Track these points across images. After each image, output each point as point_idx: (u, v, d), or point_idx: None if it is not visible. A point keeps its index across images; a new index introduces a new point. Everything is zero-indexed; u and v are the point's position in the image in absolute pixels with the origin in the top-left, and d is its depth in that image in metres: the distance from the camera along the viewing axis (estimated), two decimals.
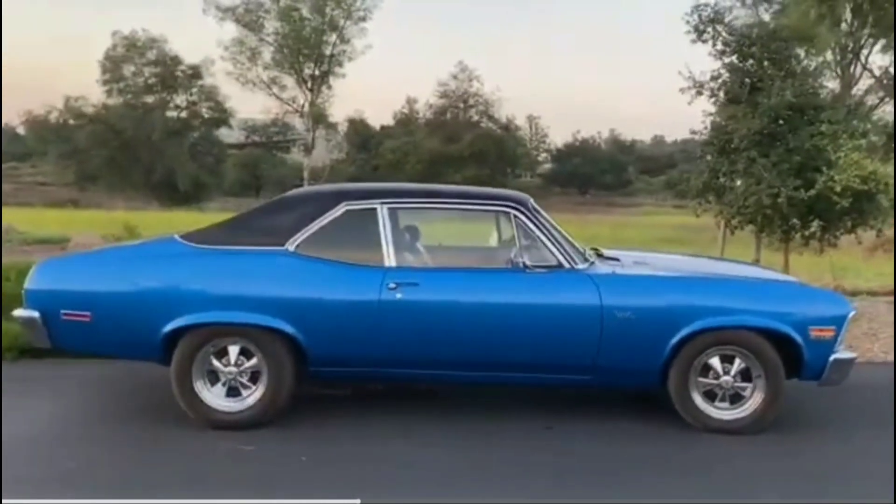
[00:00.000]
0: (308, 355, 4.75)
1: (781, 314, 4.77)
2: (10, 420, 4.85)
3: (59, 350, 5.12)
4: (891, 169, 8.44)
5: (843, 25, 25.65)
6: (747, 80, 8.97)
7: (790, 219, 8.55)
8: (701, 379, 4.83)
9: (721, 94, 9.44)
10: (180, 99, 43.29)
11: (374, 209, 4.90)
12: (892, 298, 8.27)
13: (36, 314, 4.74)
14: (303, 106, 44.84)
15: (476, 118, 41.84)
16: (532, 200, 5.09)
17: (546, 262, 4.83)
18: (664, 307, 4.76)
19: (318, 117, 44.00)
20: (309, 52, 42.75)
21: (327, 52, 42.76)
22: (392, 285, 4.69)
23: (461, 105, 42.10)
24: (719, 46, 9.51)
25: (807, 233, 8.89)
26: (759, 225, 8.74)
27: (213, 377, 4.81)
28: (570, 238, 5.03)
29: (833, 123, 8.24)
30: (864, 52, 26.53)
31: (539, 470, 4.31)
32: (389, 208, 4.92)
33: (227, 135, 48.06)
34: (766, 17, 30.03)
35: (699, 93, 9.64)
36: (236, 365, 4.76)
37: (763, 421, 4.80)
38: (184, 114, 43.76)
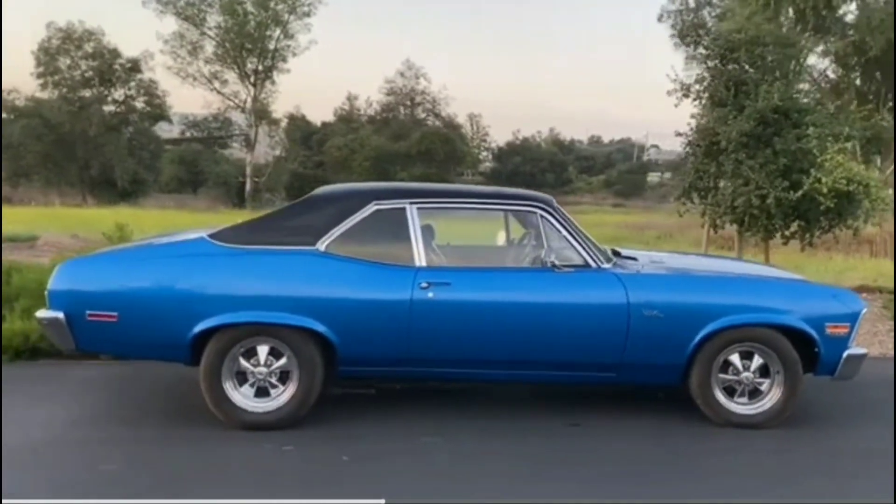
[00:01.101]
0: (339, 355, 4.75)
1: (800, 312, 4.93)
2: (30, 422, 4.76)
3: (82, 352, 5.03)
4: (870, 171, 8.77)
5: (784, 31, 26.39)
6: (731, 83, 9.23)
7: (776, 219, 8.80)
8: (721, 375, 4.97)
9: (705, 97, 9.66)
10: (118, 93, 42.20)
11: (404, 208, 4.92)
12: (867, 295, 8.57)
13: (60, 315, 4.63)
14: (245, 101, 44.24)
15: (423, 116, 41.93)
16: (555, 201, 5.16)
17: (572, 261, 4.90)
18: (689, 305, 4.89)
19: (260, 113, 43.47)
20: (252, 46, 42.20)
21: (271, 46, 42.28)
22: (424, 284, 4.71)
23: (408, 103, 42.14)
24: (702, 51, 9.77)
25: (787, 232, 9.19)
26: (745, 225, 8.99)
27: (241, 378, 4.77)
28: (592, 238, 5.12)
29: (819, 127, 8.53)
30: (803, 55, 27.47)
31: (567, 467, 4.40)
32: (418, 208, 4.94)
33: (167, 130, 47.09)
34: (709, 20, 30.84)
35: (685, 95, 9.85)
36: (266, 365, 4.73)
37: (781, 415, 4.96)
38: (122, 108, 42.68)
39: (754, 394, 5.01)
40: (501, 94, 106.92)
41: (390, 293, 4.73)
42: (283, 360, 4.74)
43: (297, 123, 49.80)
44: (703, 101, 9.64)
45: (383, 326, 4.74)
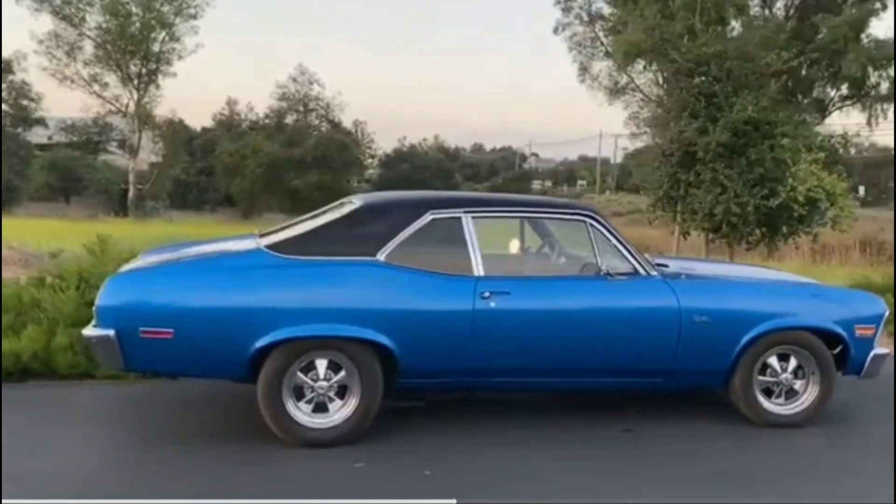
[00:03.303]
0: (401, 367, 4.65)
1: (832, 315, 5.18)
2: (66, 447, 4.49)
3: (131, 371, 4.75)
4: (834, 179, 9.31)
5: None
6: (701, 95, 9.59)
7: (751, 226, 9.20)
8: (760, 377, 5.15)
9: (675, 109, 10.00)
10: None
11: (459, 218, 4.87)
12: None
13: (111, 333, 4.34)
14: (127, 105, 42.43)
15: (317, 122, 41.38)
16: (599, 210, 5.24)
17: (621, 269, 4.98)
18: (735, 311, 5.05)
19: (144, 117, 41.81)
20: (135, 48, 40.51)
21: (156, 49, 40.74)
22: (486, 294, 4.68)
23: (301, 109, 41.50)
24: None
25: (751, 239, 9.63)
26: (723, 232, 9.36)
27: (298, 393, 4.60)
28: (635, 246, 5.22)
29: (793, 138, 8.98)
30: None
31: (631, 469, 4.50)
32: (473, 217, 4.90)
33: (42, 134, 44.61)
34: (601, 35, 31.92)
35: (659, 105, 10.15)
36: (325, 379, 4.58)
37: (817, 414, 5.19)
38: None
39: (789, 394, 5.21)
40: (386, 100, 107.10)
41: (453, 303, 4.67)
42: (341, 374, 4.61)
43: (176, 128, 48.14)
44: (672, 113, 10.00)
45: (446, 337, 4.68)
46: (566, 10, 32.28)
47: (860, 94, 26.89)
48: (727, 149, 9.18)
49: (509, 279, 4.89)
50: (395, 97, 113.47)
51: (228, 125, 47.71)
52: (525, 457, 4.60)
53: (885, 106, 26.21)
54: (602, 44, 31.99)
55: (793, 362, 5.17)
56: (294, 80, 41.71)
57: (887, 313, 5.36)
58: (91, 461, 4.42)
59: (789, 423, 5.16)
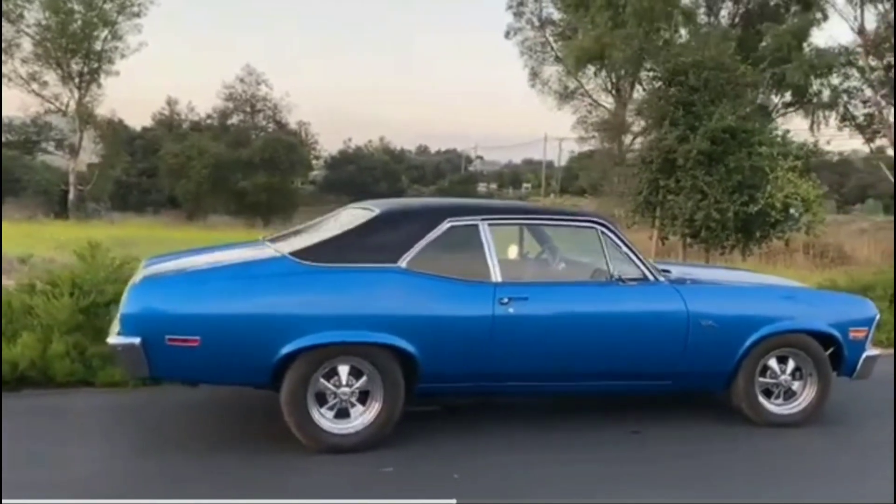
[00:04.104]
0: (422, 372, 4.70)
1: (828, 318, 5.40)
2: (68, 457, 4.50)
3: (155, 379, 4.71)
4: (810, 185, 9.64)
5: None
6: (679, 104, 9.83)
7: (730, 232, 9.47)
8: (760, 379, 5.34)
9: (654, 117, 10.23)
10: None
11: (476, 225, 4.95)
12: None
13: (137, 341, 4.31)
14: (67, 104, 41.43)
15: (264, 123, 40.88)
16: (609, 218, 5.38)
17: (631, 274, 5.12)
18: (740, 315, 5.24)
19: (85, 117, 40.85)
20: (76, 46, 39.59)
21: (98, 47, 39.87)
22: (505, 300, 4.77)
23: (248, 109, 40.97)
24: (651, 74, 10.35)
25: (726, 244, 9.91)
26: (702, 237, 9.61)
27: (320, 399, 4.63)
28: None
29: (770, 146, 9.27)
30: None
31: (641, 470, 4.64)
32: (490, 224, 4.99)
33: None
34: (552, 39, 32.33)
35: (639, 113, 10.38)
36: (347, 385, 4.62)
37: (815, 413, 5.40)
38: None
39: (787, 395, 5.41)
40: (331, 101, 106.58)
41: (474, 309, 4.75)
42: (362, 380, 4.65)
43: (116, 128, 47.14)
44: (650, 121, 10.22)
45: (466, 342, 4.75)
46: (518, 14, 32.71)
47: (802, 101, 27.74)
48: (706, 156, 9.45)
49: (526, 285, 5.00)
50: (340, 98, 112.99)
51: (169, 125, 46.89)
52: (544, 460, 4.70)
53: (827, 113, 27.09)
54: (552, 49, 32.41)
55: (791, 364, 5.37)
56: (241, 80, 41.18)
57: (878, 316, 5.60)
58: (94, 470, 4.36)
59: (788, 422, 5.35)
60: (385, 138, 67.44)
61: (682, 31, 28.40)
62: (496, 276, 4.86)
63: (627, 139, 29.85)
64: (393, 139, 75.17)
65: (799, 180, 9.14)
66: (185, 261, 5.13)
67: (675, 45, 15.64)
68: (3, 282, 7.67)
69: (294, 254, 4.70)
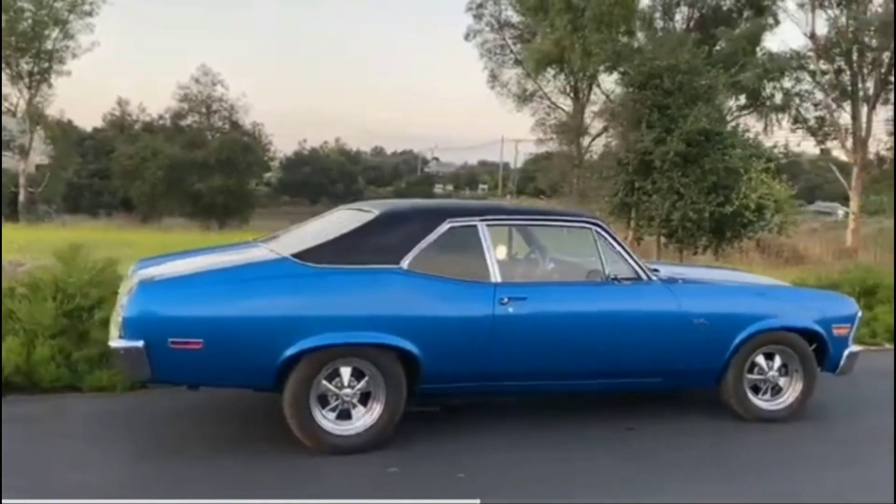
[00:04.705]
0: (424, 373, 4.72)
1: (813, 315, 5.55)
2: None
3: (158, 382, 4.67)
4: (782, 187, 9.86)
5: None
6: (654, 107, 9.98)
7: (704, 232, 9.64)
8: (749, 375, 5.46)
9: (629, 119, 10.37)
10: None
11: (475, 226, 4.99)
12: None
13: (140, 344, 4.26)
14: (16, 104, 40.54)
15: (220, 124, 40.46)
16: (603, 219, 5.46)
17: (625, 274, 5.21)
18: (729, 313, 5.36)
19: (35, 117, 40.01)
20: (26, 45, 38.77)
21: (49, 47, 39.08)
22: (504, 300, 4.81)
23: (204, 110, 40.49)
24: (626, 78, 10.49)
25: (699, 244, 10.09)
26: (677, 237, 9.77)
27: (322, 401, 4.63)
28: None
29: (745, 149, 9.46)
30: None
31: (627, 469, 4.70)
32: (488, 225, 5.03)
33: None
34: (511, 43, 32.54)
35: (612, 116, 10.51)
36: (349, 386, 4.62)
37: (801, 408, 5.54)
38: None
39: (775, 390, 5.54)
40: (286, 102, 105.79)
41: (474, 309, 4.79)
42: (364, 381, 4.66)
43: (65, 129, 46.29)
44: (624, 123, 10.37)
45: (467, 342, 4.79)
46: (477, 17, 32.88)
47: (756, 103, 28.30)
48: (682, 158, 9.62)
49: (525, 285, 5.06)
50: (294, 99, 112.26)
51: (121, 126, 46.18)
52: (544, 458, 4.77)
53: (780, 115, 27.70)
54: (511, 51, 32.63)
55: (778, 361, 5.50)
56: (197, 80, 40.70)
57: (860, 314, 5.77)
58: (91, 475, 4.28)
59: (776, 417, 5.48)
60: (340, 139, 67.21)
61: (640, 35, 28.85)
62: (496, 276, 4.91)
63: (585, 141, 30.31)
64: (348, 141, 74.88)
65: (772, 181, 9.37)
66: (180, 263, 5.09)
67: (645, 50, 15.86)
68: None
69: (296, 255, 4.69)
